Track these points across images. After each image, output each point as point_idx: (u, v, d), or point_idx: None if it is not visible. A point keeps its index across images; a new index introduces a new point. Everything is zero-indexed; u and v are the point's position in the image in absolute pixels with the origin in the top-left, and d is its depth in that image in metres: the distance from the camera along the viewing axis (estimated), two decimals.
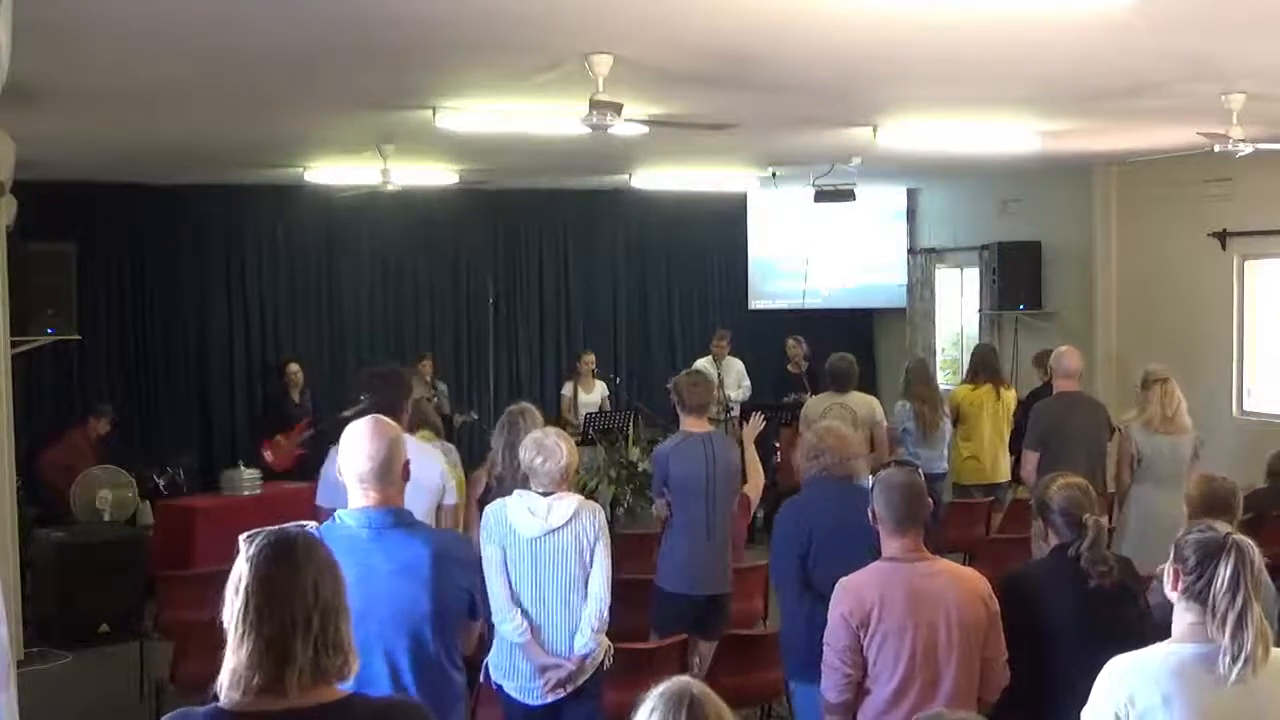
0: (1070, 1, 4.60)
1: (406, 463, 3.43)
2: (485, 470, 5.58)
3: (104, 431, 10.31)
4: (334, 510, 4.91)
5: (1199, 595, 2.79)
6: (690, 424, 6.14)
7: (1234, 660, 2.72)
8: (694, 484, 5.99)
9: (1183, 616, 2.84)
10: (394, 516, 3.36)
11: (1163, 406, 6.70)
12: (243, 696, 2.20)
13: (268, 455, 10.36)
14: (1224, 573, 2.76)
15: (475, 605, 3.47)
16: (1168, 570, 2.88)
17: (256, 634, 2.19)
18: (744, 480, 6.30)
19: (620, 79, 5.58)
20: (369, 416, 3.52)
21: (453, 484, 5.24)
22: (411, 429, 6.37)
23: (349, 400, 10.42)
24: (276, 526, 2.32)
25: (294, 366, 11.13)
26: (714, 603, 6.06)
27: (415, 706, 2.60)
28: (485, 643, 4.47)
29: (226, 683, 2.22)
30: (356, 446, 3.37)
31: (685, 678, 2.32)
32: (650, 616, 5.98)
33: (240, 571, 2.25)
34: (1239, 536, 2.83)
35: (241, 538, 2.29)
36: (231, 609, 2.23)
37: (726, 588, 6.16)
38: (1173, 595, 2.87)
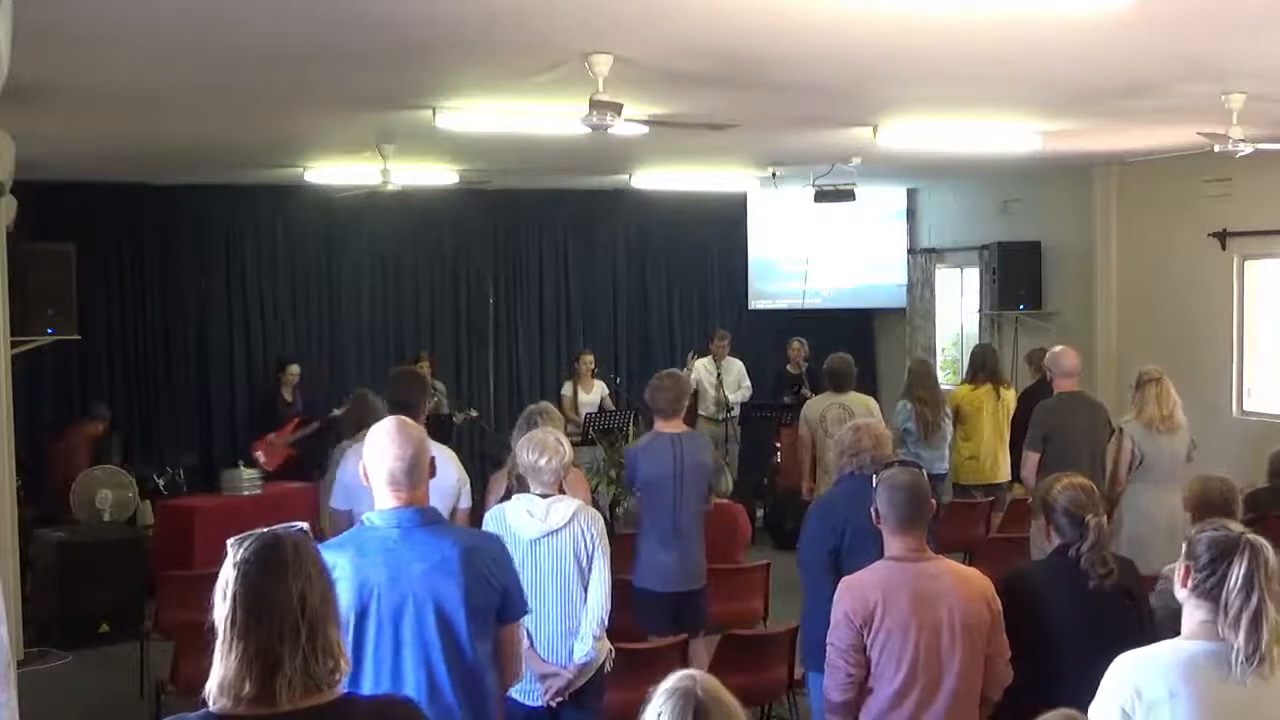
0: (1070, 1, 4.60)
1: (433, 460, 3.45)
2: (505, 472, 5.53)
3: (99, 434, 10.32)
4: (349, 513, 4.92)
5: (1210, 593, 2.77)
6: (661, 424, 6.19)
7: (1248, 660, 2.70)
8: (661, 483, 6.04)
9: (1193, 614, 2.82)
10: (422, 515, 3.35)
11: (1160, 406, 6.73)
12: (234, 705, 2.18)
13: (260, 455, 10.32)
14: (1237, 572, 2.74)
15: (508, 606, 3.43)
16: (1179, 567, 2.86)
17: (244, 643, 2.17)
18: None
19: (620, 79, 5.58)
20: (393, 417, 3.50)
21: (468, 487, 5.24)
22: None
23: (342, 400, 10.47)
24: (266, 529, 2.29)
25: (294, 368, 11.05)
26: (686, 599, 6.10)
27: (408, 705, 2.59)
28: None
29: (215, 691, 2.19)
30: (384, 447, 3.36)
31: (691, 673, 2.25)
32: (631, 615, 6.01)
33: (227, 577, 2.22)
34: (1253, 536, 2.81)
35: (230, 541, 2.27)
36: (219, 614, 2.21)
37: (698, 584, 6.18)
38: (1182, 592, 2.85)
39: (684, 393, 6.36)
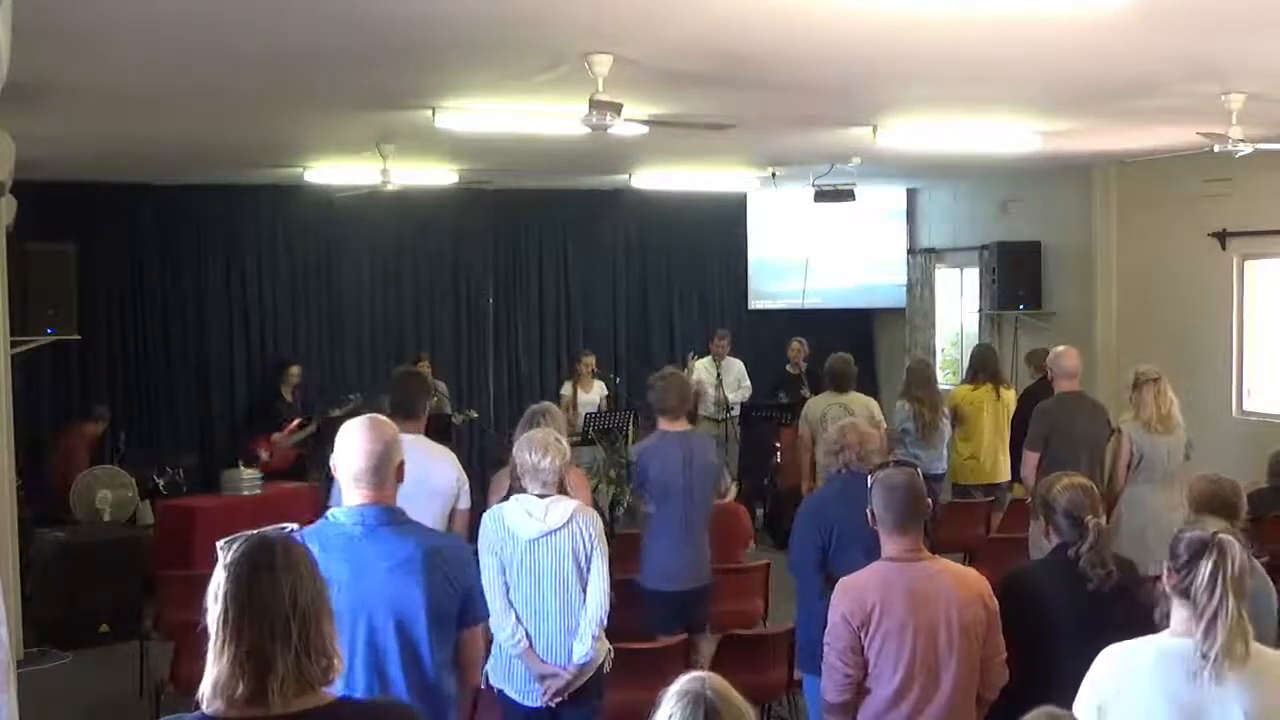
0: (1070, 2, 4.60)
1: (401, 463, 3.41)
2: (507, 471, 5.51)
3: (99, 434, 10.31)
4: None
5: (1185, 591, 2.89)
6: (666, 423, 6.16)
7: (1205, 657, 2.82)
8: (672, 483, 6.03)
9: (1177, 612, 2.95)
10: (386, 514, 3.33)
11: (1158, 406, 6.75)
12: (228, 707, 2.18)
13: (264, 454, 10.34)
14: (1204, 571, 2.85)
15: (469, 610, 3.41)
16: (1165, 565, 2.99)
17: (236, 644, 2.17)
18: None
19: (620, 79, 5.58)
20: (366, 415, 3.48)
21: (467, 488, 5.20)
22: None
23: (340, 400, 10.50)
24: (255, 530, 2.29)
25: (295, 369, 11.07)
26: (695, 596, 6.10)
27: (404, 708, 2.58)
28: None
29: (209, 693, 2.19)
30: (353, 445, 3.34)
31: (700, 675, 2.25)
32: (638, 616, 5.99)
33: (218, 580, 2.23)
34: (1223, 536, 2.91)
35: (219, 544, 2.27)
36: (211, 616, 2.21)
37: (707, 580, 6.19)
38: (1168, 590, 2.98)
39: (689, 388, 6.37)
